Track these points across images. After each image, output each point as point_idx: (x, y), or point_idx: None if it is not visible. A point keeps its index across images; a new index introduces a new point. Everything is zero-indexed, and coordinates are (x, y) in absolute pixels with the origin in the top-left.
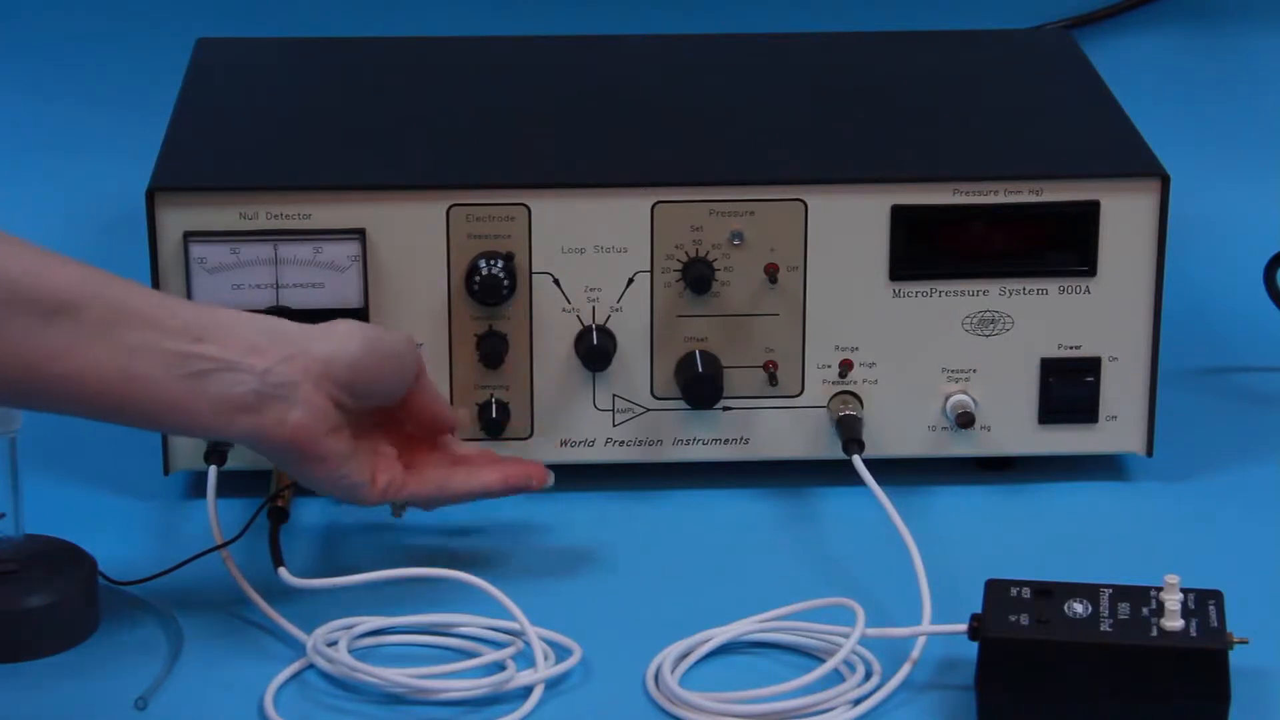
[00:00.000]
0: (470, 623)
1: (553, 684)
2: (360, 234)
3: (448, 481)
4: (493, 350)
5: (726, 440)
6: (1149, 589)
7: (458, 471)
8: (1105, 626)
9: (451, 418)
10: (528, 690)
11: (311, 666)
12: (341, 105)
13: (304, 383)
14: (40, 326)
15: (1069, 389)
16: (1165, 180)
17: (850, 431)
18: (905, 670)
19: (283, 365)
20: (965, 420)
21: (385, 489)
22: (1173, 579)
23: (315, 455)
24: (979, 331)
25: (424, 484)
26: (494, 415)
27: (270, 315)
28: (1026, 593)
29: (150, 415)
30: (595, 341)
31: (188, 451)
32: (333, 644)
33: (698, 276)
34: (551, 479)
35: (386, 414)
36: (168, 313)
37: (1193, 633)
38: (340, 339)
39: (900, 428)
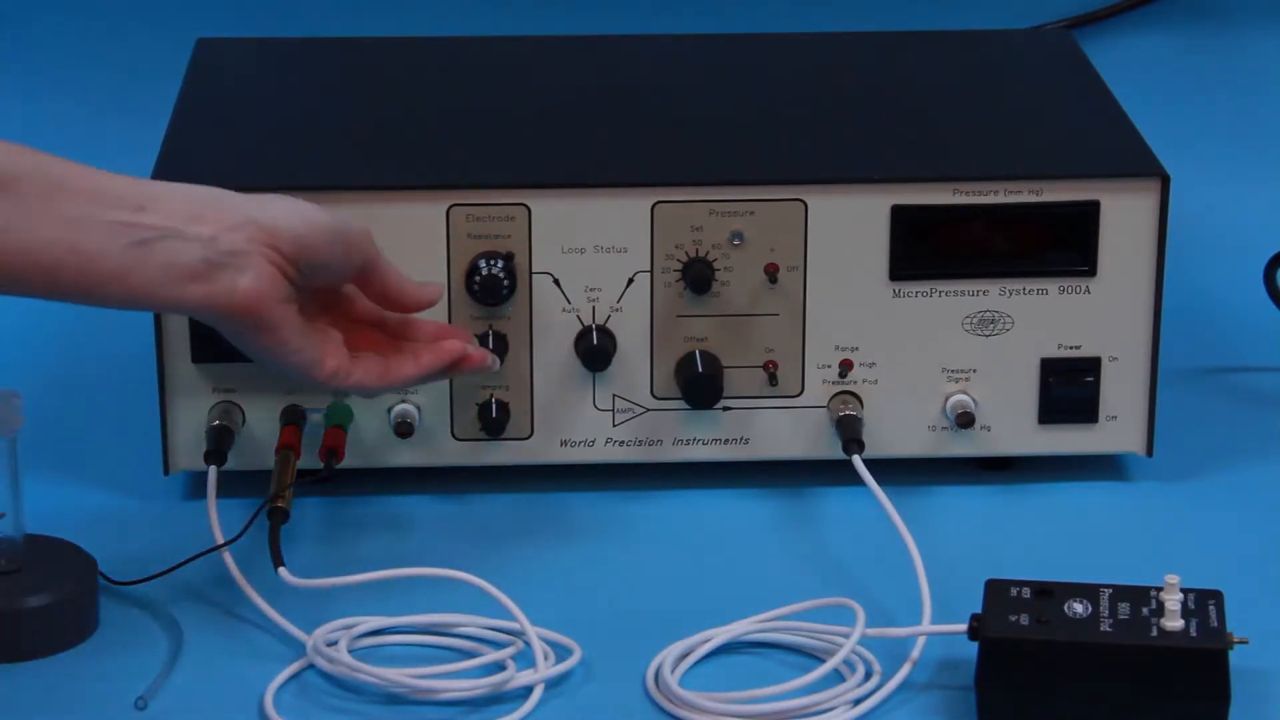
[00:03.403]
0: (470, 623)
1: (553, 684)
2: None
3: (389, 370)
4: (493, 350)
5: (726, 440)
6: (1149, 589)
7: (402, 360)
8: (1105, 626)
9: (419, 294)
10: (528, 690)
11: (311, 666)
12: (341, 105)
13: (253, 250)
14: None
15: (1069, 389)
16: (1165, 180)
17: (850, 431)
18: (905, 670)
19: (230, 233)
20: (965, 420)
21: (334, 372)
22: (1173, 579)
23: (268, 323)
24: (979, 331)
25: (368, 372)
26: (494, 415)
27: (211, 187)
28: (1026, 593)
29: (99, 289)
30: (595, 341)
31: (188, 451)
32: (333, 644)
33: (698, 276)
34: (493, 363)
35: (333, 300)
36: (106, 184)
37: (1193, 633)
38: (286, 210)
39: (900, 428)
